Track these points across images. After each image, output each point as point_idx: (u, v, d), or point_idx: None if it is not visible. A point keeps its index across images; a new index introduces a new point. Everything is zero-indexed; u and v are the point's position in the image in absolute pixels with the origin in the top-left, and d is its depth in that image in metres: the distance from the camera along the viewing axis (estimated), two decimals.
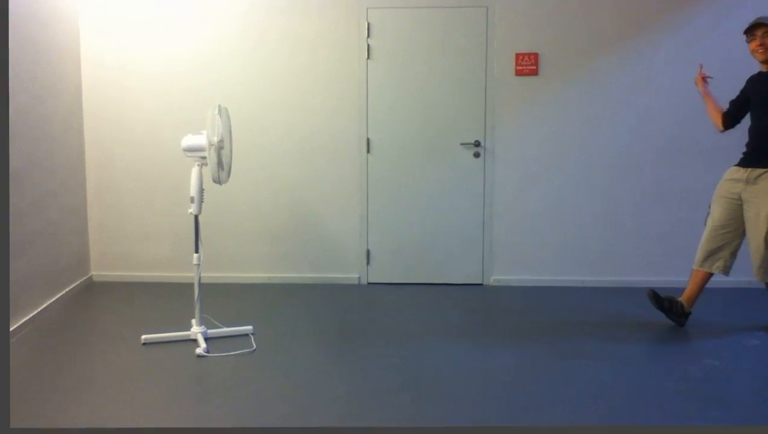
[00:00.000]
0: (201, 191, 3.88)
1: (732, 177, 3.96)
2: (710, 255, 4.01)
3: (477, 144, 5.01)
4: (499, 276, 5.14)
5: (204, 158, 3.83)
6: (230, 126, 3.95)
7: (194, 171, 3.85)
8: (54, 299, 4.50)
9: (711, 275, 4.06)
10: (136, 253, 5.17)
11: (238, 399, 3.16)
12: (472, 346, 3.86)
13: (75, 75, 4.90)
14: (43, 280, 4.35)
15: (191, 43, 4.98)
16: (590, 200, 5.03)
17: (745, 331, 4.08)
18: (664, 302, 4.13)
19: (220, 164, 3.81)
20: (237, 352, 3.73)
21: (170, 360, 3.62)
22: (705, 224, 4.07)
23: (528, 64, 4.92)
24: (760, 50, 3.81)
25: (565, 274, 5.10)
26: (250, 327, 4.05)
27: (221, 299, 4.70)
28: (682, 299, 4.14)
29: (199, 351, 3.68)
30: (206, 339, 3.84)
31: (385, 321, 4.32)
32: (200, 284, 3.93)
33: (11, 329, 3.88)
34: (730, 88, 4.86)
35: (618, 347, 3.82)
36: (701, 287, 4.09)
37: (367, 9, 4.91)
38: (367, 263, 5.16)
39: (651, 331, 4.10)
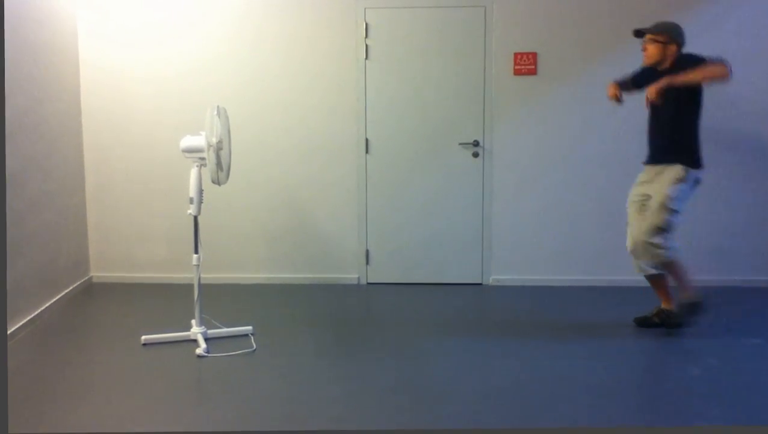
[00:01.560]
0: (200, 191, 3.87)
1: (641, 180, 4.06)
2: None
3: (476, 144, 5.01)
4: (498, 276, 5.13)
5: (203, 158, 3.83)
6: (229, 127, 3.95)
7: (193, 172, 3.85)
8: (53, 300, 4.49)
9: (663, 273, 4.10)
10: (136, 254, 5.17)
11: (239, 399, 3.16)
12: (471, 346, 3.86)
13: (73, 77, 4.89)
14: (42, 281, 4.35)
15: (189, 44, 4.97)
16: (589, 199, 5.03)
17: (745, 330, 4.09)
18: (653, 319, 4.14)
19: (219, 164, 3.81)
20: (237, 352, 3.73)
21: (170, 360, 3.62)
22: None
23: (526, 64, 4.92)
24: (644, 54, 3.96)
25: (565, 274, 5.10)
26: (249, 328, 4.05)
27: (220, 300, 4.70)
28: (664, 305, 4.14)
29: (199, 351, 3.68)
30: (206, 340, 3.83)
31: (384, 322, 4.32)
32: (200, 285, 3.93)
33: (10, 331, 3.88)
34: (729, 89, 4.86)
35: (617, 346, 3.83)
36: (666, 285, 4.11)
37: (365, 9, 4.91)
38: (367, 263, 5.16)
39: (650, 331, 4.10)
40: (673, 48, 3.87)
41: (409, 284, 5.13)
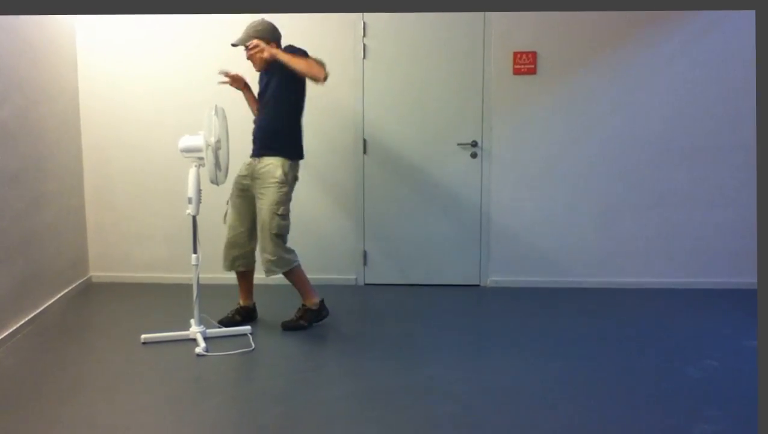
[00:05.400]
0: (198, 191, 3.89)
1: (241, 173, 4.15)
2: (235, 259, 4.16)
3: (474, 144, 5.02)
4: (496, 277, 5.14)
5: (201, 158, 3.84)
6: (227, 126, 3.96)
7: (192, 172, 3.86)
8: (53, 300, 4.50)
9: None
10: (135, 254, 5.18)
11: (238, 398, 3.17)
12: (469, 348, 3.87)
13: (72, 78, 4.90)
14: (42, 281, 4.36)
15: (188, 45, 4.98)
16: (588, 200, 5.04)
17: (744, 332, 4.09)
18: (234, 318, 4.23)
19: (217, 164, 3.82)
20: (236, 351, 3.74)
21: (170, 359, 3.63)
22: (225, 223, 4.20)
23: (526, 63, 4.92)
24: (252, 62, 4.06)
25: (563, 275, 5.10)
26: (248, 327, 4.06)
27: (219, 299, 4.70)
28: (241, 301, 4.29)
29: (198, 350, 3.69)
30: (205, 339, 3.84)
31: (381, 322, 4.33)
32: (199, 284, 3.94)
33: (10, 331, 3.89)
34: (728, 88, 4.88)
35: (616, 348, 3.84)
36: (249, 282, 4.29)
37: None
38: (364, 264, 5.17)
39: (649, 332, 4.11)
40: (273, 46, 4.04)
41: (406, 286, 5.13)
